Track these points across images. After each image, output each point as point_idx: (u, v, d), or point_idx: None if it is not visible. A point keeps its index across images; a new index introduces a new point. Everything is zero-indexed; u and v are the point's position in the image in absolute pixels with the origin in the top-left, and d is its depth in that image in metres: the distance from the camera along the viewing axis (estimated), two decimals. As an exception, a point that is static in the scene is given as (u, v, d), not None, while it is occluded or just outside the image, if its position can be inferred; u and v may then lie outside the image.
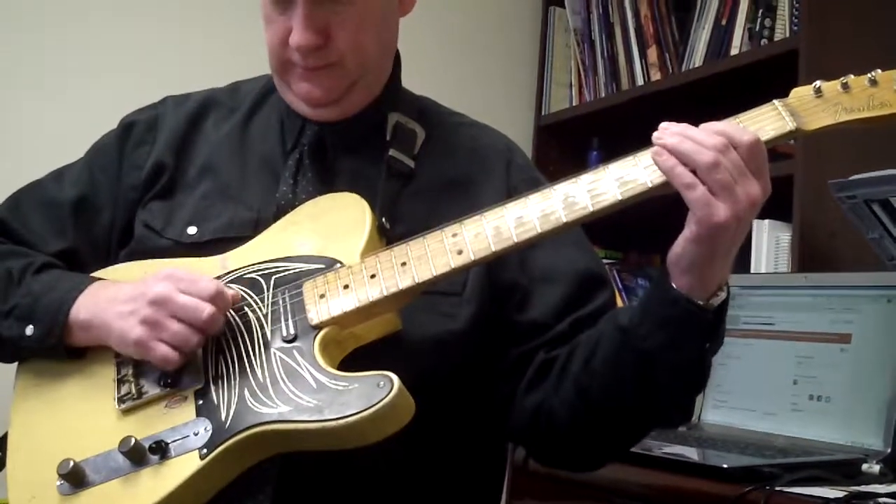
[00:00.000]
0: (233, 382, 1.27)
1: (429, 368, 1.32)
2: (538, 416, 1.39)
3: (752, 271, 2.29)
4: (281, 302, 1.31)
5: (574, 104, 3.14)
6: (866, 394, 1.82)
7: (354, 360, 1.28)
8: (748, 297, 2.09)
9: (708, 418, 2.08)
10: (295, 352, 1.26)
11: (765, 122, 1.24)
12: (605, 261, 2.93)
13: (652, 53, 2.84)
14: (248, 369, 1.27)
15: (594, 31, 3.07)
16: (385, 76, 1.50)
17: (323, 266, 1.33)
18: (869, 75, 1.24)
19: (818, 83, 1.26)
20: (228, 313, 1.31)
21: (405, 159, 1.46)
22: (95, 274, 1.45)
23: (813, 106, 1.25)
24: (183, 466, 1.23)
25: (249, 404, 1.24)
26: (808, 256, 2.19)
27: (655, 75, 2.82)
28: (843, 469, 1.63)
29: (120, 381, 1.33)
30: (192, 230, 1.44)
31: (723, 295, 1.26)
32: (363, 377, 1.20)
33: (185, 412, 1.27)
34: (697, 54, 2.67)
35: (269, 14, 1.41)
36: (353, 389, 1.19)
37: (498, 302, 1.42)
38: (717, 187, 1.18)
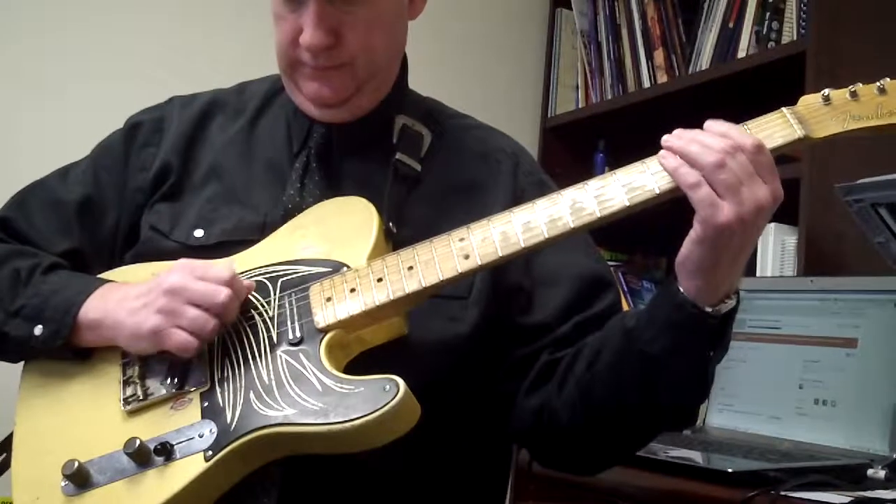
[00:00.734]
0: (238, 385, 1.27)
1: (434, 372, 1.33)
2: (540, 417, 1.39)
3: (758, 275, 2.28)
4: (287, 305, 1.31)
5: (580, 106, 3.14)
6: (872, 398, 1.81)
7: (360, 364, 1.28)
8: (754, 301, 2.08)
9: (713, 422, 2.08)
10: (301, 355, 1.26)
11: (773, 129, 1.24)
12: (610, 263, 2.92)
13: (659, 56, 2.84)
14: (254, 372, 1.27)
15: (601, 33, 3.07)
16: (393, 78, 1.50)
17: (330, 269, 1.33)
18: (878, 84, 1.24)
19: (826, 91, 1.25)
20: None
21: (412, 163, 1.46)
22: (103, 276, 1.45)
23: (821, 114, 1.25)
24: (188, 468, 1.23)
25: (255, 407, 1.24)
26: (814, 260, 2.19)
27: (662, 78, 2.82)
28: (848, 474, 1.63)
29: (125, 383, 1.33)
30: (198, 233, 1.44)
31: (731, 303, 1.25)
32: (369, 380, 1.20)
33: (191, 414, 1.27)
34: (704, 57, 2.66)
35: (279, 12, 1.41)
36: (359, 393, 1.19)
37: (503, 304, 1.41)
38: (722, 188, 1.18)
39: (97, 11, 2.66)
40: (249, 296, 1.33)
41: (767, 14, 2.48)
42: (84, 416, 1.35)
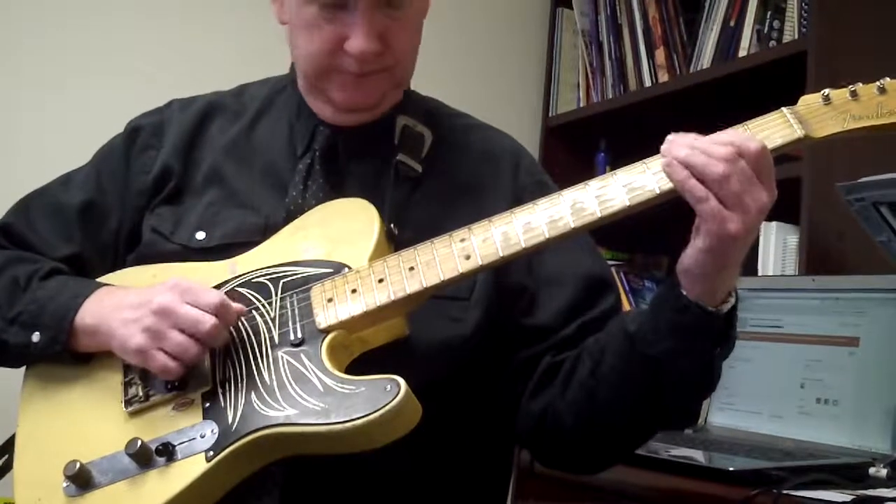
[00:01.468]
0: (240, 385, 1.27)
1: (436, 372, 1.33)
2: (544, 420, 1.39)
3: (759, 274, 2.28)
4: (289, 306, 1.32)
5: (582, 105, 3.13)
6: (874, 397, 1.81)
7: (362, 364, 1.29)
8: (756, 300, 2.08)
9: (715, 421, 2.08)
10: (302, 355, 1.27)
11: (773, 129, 1.24)
12: (611, 263, 2.93)
13: (660, 55, 2.84)
14: (256, 372, 1.27)
15: (602, 32, 3.07)
16: (411, 78, 1.50)
17: (331, 270, 1.33)
18: (878, 83, 1.24)
19: (826, 91, 1.25)
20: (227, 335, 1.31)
21: (413, 164, 1.46)
22: (104, 278, 1.45)
23: (821, 113, 1.25)
24: (189, 469, 1.24)
25: (256, 407, 1.24)
26: (815, 259, 2.19)
27: (663, 77, 2.82)
28: (850, 473, 1.63)
29: (127, 384, 1.34)
30: (200, 235, 1.44)
31: (732, 301, 1.26)
32: (370, 381, 1.20)
33: (192, 415, 1.28)
34: (705, 56, 2.66)
35: (312, 20, 1.38)
36: (360, 393, 1.20)
37: (505, 306, 1.42)
38: (729, 200, 1.18)
39: (97, 11, 2.66)
40: (251, 296, 1.34)
41: (769, 13, 2.48)
42: (86, 418, 1.35)
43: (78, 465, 1.27)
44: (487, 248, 1.26)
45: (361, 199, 1.39)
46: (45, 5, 2.61)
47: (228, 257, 1.40)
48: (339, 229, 1.37)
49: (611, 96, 3.01)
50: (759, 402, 2.01)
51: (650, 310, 1.31)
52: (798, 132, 1.24)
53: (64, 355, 1.37)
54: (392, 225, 1.38)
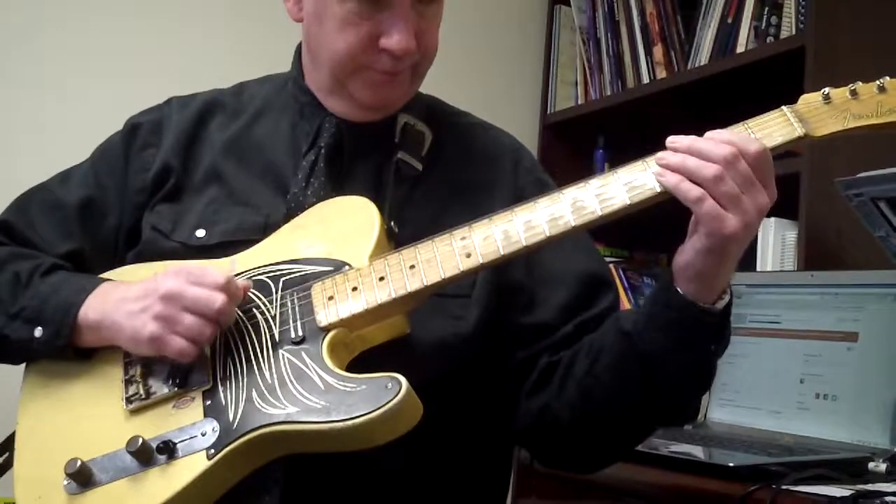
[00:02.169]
0: (241, 383, 1.27)
1: (437, 370, 1.33)
2: (542, 419, 1.40)
3: (758, 269, 2.29)
4: (289, 304, 1.32)
5: (580, 102, 3.13)
6: (873, 392, 1.82)
7: (362, 362, 1.29)
8: (755, 296, 2.09)
9: (714, 417, 2.08)
10: (303, 353, 1.27)
11: (774, 128, 1.25)
12: (610, 260, 2.93)
13: (658, 51, 2.84)
14: (256, 370, 1.27)
15: (600, 29, 3.07)
16: None
17: (331, 268, 1.33)
18: (878, 82, 1.25)
19: (827, 90, 1.26)
20: (237, 314, 1.31)
21: (413, 162, 1.46)
22: (104, 276, 1.45)
23: (821, 112, 1.25)
24: (190, 466, 1.24)
25: (257, 405, 1.24)
26: (814, 255, 2.19)
27: (661, 73, 2.82)
28: (849, 468, 1.63)
29: (128, 382, 1.33)
30: (200, 233, 1.44)
31: (727, 297, 1.27)
32: (371, 379, 1.21)
33: (193, 412, 1.28)
34: (703, 52, 2.66)
35: (349, 17, 1.38)
36: (361, 391, 1.20)
37: (504, 303, 1.42)
38: (726, 199, 1.18)
39: (97, 11, 2.66)
40: (251, 295, 1.34)
41: (766, 9, 2.48)
42: (86, 415, 1.35)
43: (79, 462, 1.27)
44: (488, 246, 1.27)
45: (362, 197, 1.39)
46: (45, 5, 2.61)
47: (228, 255, 1.40)
48: (340, 227, 1.37)
49: (609, 93, 3.01)
50: (758, 397, 2.01)
51: (646, 308, 1.32)
52: (798, 131, 1.24)
53: (66, 351, 1.37)
54: (392, 223, 1.38)
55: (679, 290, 1.25)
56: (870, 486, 1.50)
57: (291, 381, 1.24)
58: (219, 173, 1.50)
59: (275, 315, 1.32)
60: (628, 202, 1.24)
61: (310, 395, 1.22)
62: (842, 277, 1.96)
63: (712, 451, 1.81)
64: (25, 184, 1.59)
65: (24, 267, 1.43)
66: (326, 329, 1.28)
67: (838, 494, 1.45)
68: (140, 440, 1.25)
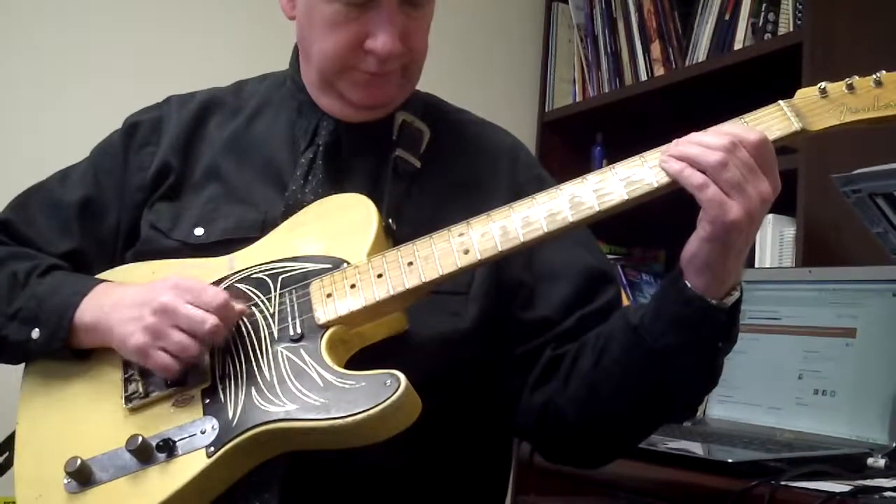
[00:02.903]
0: (240, 381, 1.27)
1: (435, 367, 1.33)
2: (546, 413, 1.39)
3: (756, 266, 2.29)
4: (288, 301, 1.32)
5: (578, 100, 3.14)
6: (872, 388, 1.81)
7: (361, 359, 1.29)
8: (753, 292, 2.08)
9: (713, 413, 2.08)
10: (302, 351, 1.27)
11: (770, 122, 1.25)
12: (609, 257, 2.93)
13: (655, 48, 2.84)
14: (256, 368, 1.28)
15: (597, 26, 3.07)
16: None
17: (330, 266, 1.33)
18: (874, 76, 1.25)
19: (823, 84, 1.26)
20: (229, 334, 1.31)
21: (411, 159, 1.47)
22: (103, 275, 1.45)
23: (818, 106, 1.25)
24: (190, 465, 1.24)
25: (256, 403, 1.24)
26: (812, 251, 2.19)
27: (659, 70, 2.82)
28: (848, 463, 1.63)
29: (127, 380, 1.34)
30: (199, 231, 1.44)
31: (736, 294, 1.27)
32: (370, 376, 1.21)
33: (193, 411, 1.28)
34: (701, 49, 2.66)
35: (336, 18, 1.38)
36: (360, 388, 1.20)
37: (504, 300, 1.42)
38: (728, 186, 1.18)
39: (97, 11, 2.66)
40: (250, 292, 1.34)
41: (764, 5, 2.48)
42: (86, 414, 1.35)
43: (78, 461, 1.27)
44: (486, 242, 1.27)
45: (360, 195, 1.39)
46: (45, 5, 2.61)
47: (227, 253, 1.40)
48: (338, 224, 1.37)
49: (607, 90, 3.02)
50: (756, 393, 2.01)
51: (653, 302, 1.31)
52: (795, 125, 1.24)
53: (64, 352, 1.38)
54: (390, 220, 1.38)
55: (687, 284, 1.25)
56: (869, 482, 1.50)
57: (290, 379, 1.25)
58: (218, 171, 1.50)
59: (273, 313, 1.32)
60: (626, 197, 1.24)
61: (309, 392, 1.22)
62: (840, 273, 1.96)
63: (711, 447, 1.81)
64: (25, 184, 1.59)
65: (21, 267, 1.43)
66: (325, 326, 1.28)
67: (837, 490, 1.45)
68: (139, 439, 1.25)
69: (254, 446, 1.24)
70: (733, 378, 2.06)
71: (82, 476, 1.27)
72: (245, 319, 1.32)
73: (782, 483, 1.49)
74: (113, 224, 1.52)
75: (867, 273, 1.91)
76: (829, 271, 1.99)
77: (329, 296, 1.30)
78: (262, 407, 1.24)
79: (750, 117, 1.26)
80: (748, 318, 2.07)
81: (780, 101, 1.26)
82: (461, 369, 1.39)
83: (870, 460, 1.65)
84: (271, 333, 1.30)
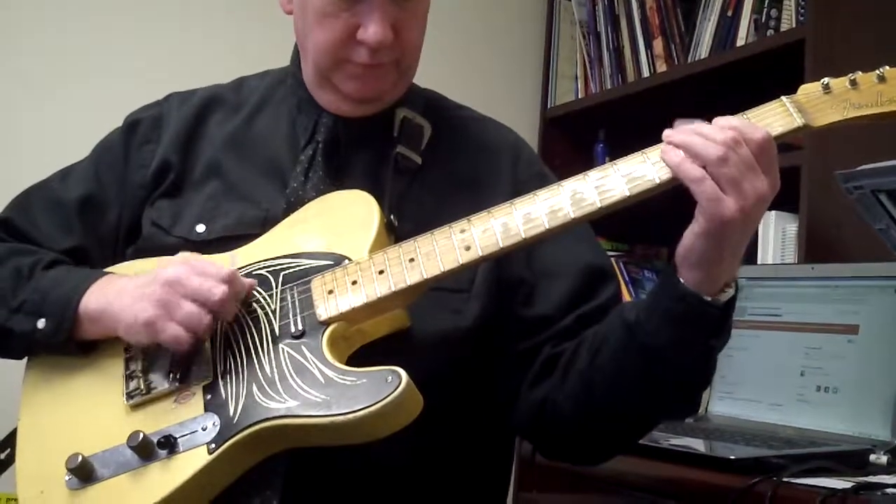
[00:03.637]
0: (241, 378, 1.27)
1: (437, 363, 1.33)
2: (543, 410, 1.39)
3: (758, 262, 2.29)
4: (289, 298, 1.32)
5: (580, 96, 3.14)
6: (874, 385, 1.81)
7: (362, 356, 1.29)
8: (755, 289, 2.09)
9: (715, 410, 2.08)
10: (303, 347, 1.27)
11: (773, 118, 1.24)
12: (611, 253, 2.93)
13: (658, 45, 2.84)
14: (257, 365, 1.28)
15: (600, 23, 3.07)
16: (416, 72, 1.50)
17: (331, 262, 1.33)
18: (877, 72, 1.24)
19: (826, 80, 1.25)
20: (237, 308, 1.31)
21: (412, 155, 1.47)
22: (105, 271, 1.45)
23: (821, 102, 1.25)
24: (191, 461, 1.24)
25: (258, 399, 1.24)
26: (815, 247, 2.19)
27: (661, 67, 2.82)
28: (850, 460, 1.63)
29: (129, 377, 1.34)
30: (200, 228, 1.44)
31: (731, 291, 1.26)
32: (371, 372, 1.21)
33: (194, 407, 1.28)
34: (703, 45, 2.66)
35: (329, 10, 1.39)
36: (362, 384, 1.20)
37: (505, 297, 1.42)
38: (725, 181, 1.18)
39: (97, 11, 2.67)
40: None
41: (766, 2, 2.47)
42: (87, 411, 1.35)
43: (80, 457, 1.27)
44: (487, 238, 1.26)
45: (361, 191, 1.39)
46: (45, 5, 2.61)
47: (228, 250, 1.40)
48: (339, 221, 1.37)
49: (609, 87, 3.01)
50: (758, 390, 2.01)
51: (648, 298, 1.31)
52: (798, 121, 1.24)
53: (68, 344, 1.37)
54: (392, 216, 1.38)
55: (681, 280, 1.24)
56: (871, 479, 1.51)
57: (292, 375, 1.24)
58: (219, 168, 1.50)
59: (275, 309, 1.32)
60: (628, 194, 1.24)
61: (310, 388, 1.22)
62: (842, 270, 1.96)
63: (713, 443, 1.81)
64: (26, 183, 1.60)
65: (25, 262, 1.43)
66: (326, 323, 1.28)
67: (839, 486, 1.45)
68: (141, 435, 1.25)
69: (255, 443, 1.24)
70: (735, 374, 2.06)
71: (84, 472, 1.27)
72: (246, 316, 1.32)
73: (784, 480, 1.49)
74: (114, 221, 1.52)
75: (869, 269, 1.91)
76: (831, 268, 1.99)
77: (330, 292, 1.30)
78: (264, 403, 1.24)
79: (752, 113, 1.25)
80: (750, 315, 2.07)
81: (783, 97, 1.26)
82: (462, 366, 1.39)
83: (872, 457, 1.65)
84: (272, 330, 1.30)
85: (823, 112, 1.25)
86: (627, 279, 2.93)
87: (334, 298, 1.29)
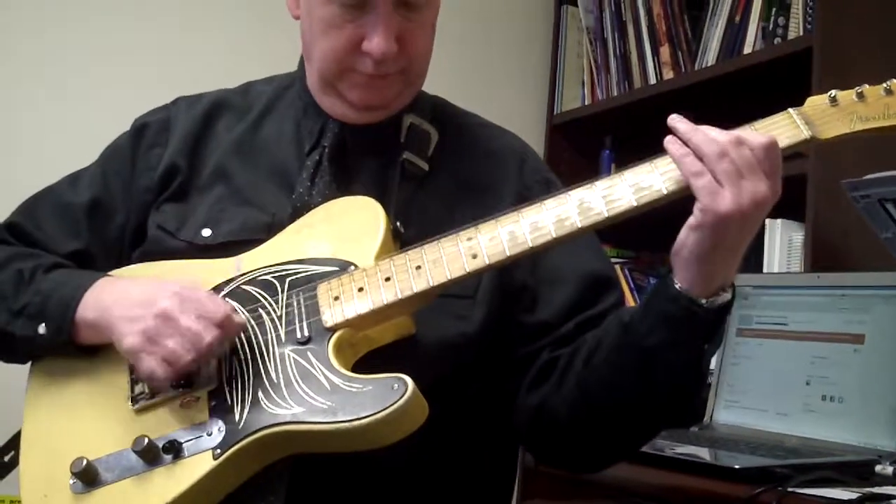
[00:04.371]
0: (247, 383, 1.27)
1: (442, 370, 1.33)
2: (540, 415, 1.40)
3: (764, 271, 2.28)
4: (295, 304, 1.32)
5: (587, 103, 3.14)
6: (880, 394, 1.81)
7: (368, 363, 1.29)
8: (761, 297, 2.08)
9: (720, 418, 2.08)
10: (309, 353, 1.27)
11: (780, 129, 1.25)
12: (617, 260, 2.93)
13: (664, 52, 2.84)
14: (262, 370, 1.27)
15: (607, 29, 3.07)
16: (424, 81, 1.50)
17: (337, 268, 1.33)
18: (884, 85, 1.24)
19: (833, 92, 1.25)
20: (243, 314, 1.31)
21: (419, 162, 1.47)
22: (110, 273, 1.45)
23: (828, 114, 1.25)
24: (196, 466, 1.24)
25: (263, 405, 1.24)
26: (821, 256, 2.19)
27: (668, 74, 2.82)
28: (856, 470, 1.63)
29: (134, 381, 1.34)
30: (206, 232, 1.44)
31: (726, 296, 1.26)
32: (377, 379, 1.21)
33: (199, 412, 1.28)
34: (710, 53, 2.66)
35: (334, 20, 1.39)
36: (367, 391, 1.20)
37: (509, 303, 1.42)
38: (723, 176, 1.18)
39: (97, 11, 2.67)
40: (257, 294, 1.34)
41: (774, 10, 2.48)
42: (92, 414, 1.35)
43: (84, 461, 1.27)
44: (494, 247, 1.26)
45: (367, 197, 1.38)
46: (45, 5, 2.61)
47: (234, 254, 1.40)
48: (346, 227, 1.37)
49: (616, 94, 3.01)
50: (764, 399, 2.01)
51: (644, 300, 1.32)
52: (805, 133, 1.24)
53: (69, 348, 1.38)
54: (398, 223, 1.38)
55: (675, 280, 1.24)
56: (877, 489, 1.50)
57: (297, 382, 1.24)
58: (225, 173, 1.50)
59: (280, 315, 1.32)
60: (635, 204, 1.24)
61: (316, 395, 1.22)
62: (848, 279, 1.96)
63: (718, 452, 1.81)
64: (26, 184, 1.60)
65: (26, 265, 1.43)
66: (332, 329, 1.28)
67: (845, 497, 1.45)
68: (146, 440, 1.25)
69: (260, 449, 1.24)
70: (741, 383, 2.06)
71: (88, 476, 1.27)
72: (252, 321, 1.32)
73: (789, 489, 1.49)
74: (120, 225, 1.52)
75: (876, 279, 1.91)
76: (837, 277, 1.98)
77: (336, 298, 1.29)
78: (269, 409, 1.24)
79: (759, 124, 1.25)
80: (756, 324, 2.07)
81: (790, 109, 1.26)
82: (468, 373, 1.39)
83: (878, 467, 1.65)
84: (278, 336, 1.30)
85: (830, 124, 1.25)
86: (633, 286, 2.93)
87: (340, 305, 1.29)
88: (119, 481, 1.27)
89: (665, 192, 1.23)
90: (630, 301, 2.82)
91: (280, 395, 1.24)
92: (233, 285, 1.36)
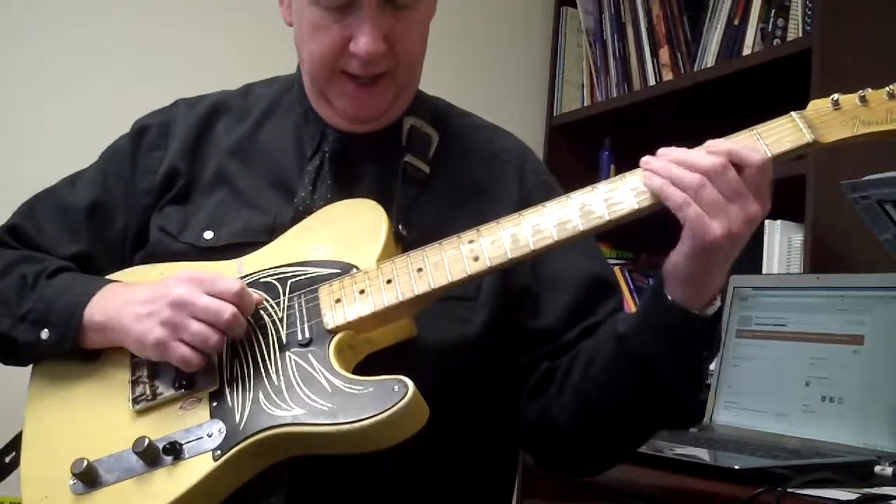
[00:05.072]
0: (248, 385, 1.27)
1: (443, 373, 1.33)
2: (541, 423, 1.40)
3: (764, 272, 2.28)
4: (297, 306, 1.32)
5: (586, 104, 3.13)
6: (879, 395, 1.81)
7: (369, 365, 1.29)
8: (760, 298, 2.08)
9: (719, 419, 2.08)
10: (310, 355, 1.27)
11: (782, 134, 1.24)
12: (616, 261, 2.93)
13: (664, 54, 2.84)
14: (263, 372, 1.28)
15: (606, 31, 3.07)
16: (418, 84, 1.50)
17: (339, 271, 1.33)
18: (887, 89, 1.24)
19: (836, 96, 1.25)
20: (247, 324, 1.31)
21: (420, 164, 1.46)
22: (112, 277, 1.45)
23: (830, 118, 1.25)
24: (196, 468, 1.24)
25: (264, 407, 1.24)
26: (820, 257, 2.19)
27: (667, 75, 2.82)
28: (855, 471, 1.63)
29: (135, 382, 1.34)
30: (208, 234, 1.44)
31: (717, 304, 1.27)
32: (378, 381, 1.21)
33: (200, 414, 1.28)
34: (710, 54, 2.66)
35: (320, 22, 1.38)
36: (368, 393, 1.20)
37: (510, 306, 1.42)
38: (708, 206, 1.18)
39: (97, 11, 2.67)
40: (259, 296, 1.34)
41: (773, 11, 2.47)
42: (93, 416, 1.35)
43: (85, 462, 1.27)
44: (496, 249, 1.27)
45: (369, 200, 1.39)
46: (45, 5, 2.61)
47: (235, 257, 1.40)
48: (347, 230, 1.37)
49: (615, 95, 3.01)
50: (763, 400, 2.01)
51: (638, 312, 1.33)
52: (807, 137, 1.24)
53: (74, 352, 1.38)
54: (400, 226, 1.38)
55: (668, 294, 1.25)
56: (876, 490, 1.50)
57: (298, 384, 1.25)
58: (226, 175, 1.50)
59: (282, 317, 1.32)
60: (636, 207, 1.24)
61: (316, 397, 1.22)
62: (848, 280, 1.96)
63: (717, 453, 1.81)
64: (27, 184, 1.60)
65: (30, 270, 1.44)
66: (333, 331, 1.28)
67: (844, 498, 1.45)
68: (146, 441, 1.25)
69: (260, 450, 1.24)
70: (740, 384, 2.06)
71: (88, 477, 1.27)
72: (253, 323, 1.32)
73: (789, 490, 1.49)
74: (121, 227, 1.52)
75: (875, 280, 1.91)
76: (836, 278, 1.98)
77: (338, 301, 1.30)
78: (270, 411, 1.24)
79: (762, 128, 1.25)
80: (755, 324, 2.07)
81: (793, 113, 1.26)
82: (469, 375, 1.39)
83: (877, 468, 1.65)
84: (279, 338, 1.30)
85: (833, 128, 1.25)
86: (632, 287, 2.93)
87: (342, 307, 1.29)
88: (119, 482, 1.27)
89: None
90: (629, 302, 2.82)
91: (281, 396, 1.24)
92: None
